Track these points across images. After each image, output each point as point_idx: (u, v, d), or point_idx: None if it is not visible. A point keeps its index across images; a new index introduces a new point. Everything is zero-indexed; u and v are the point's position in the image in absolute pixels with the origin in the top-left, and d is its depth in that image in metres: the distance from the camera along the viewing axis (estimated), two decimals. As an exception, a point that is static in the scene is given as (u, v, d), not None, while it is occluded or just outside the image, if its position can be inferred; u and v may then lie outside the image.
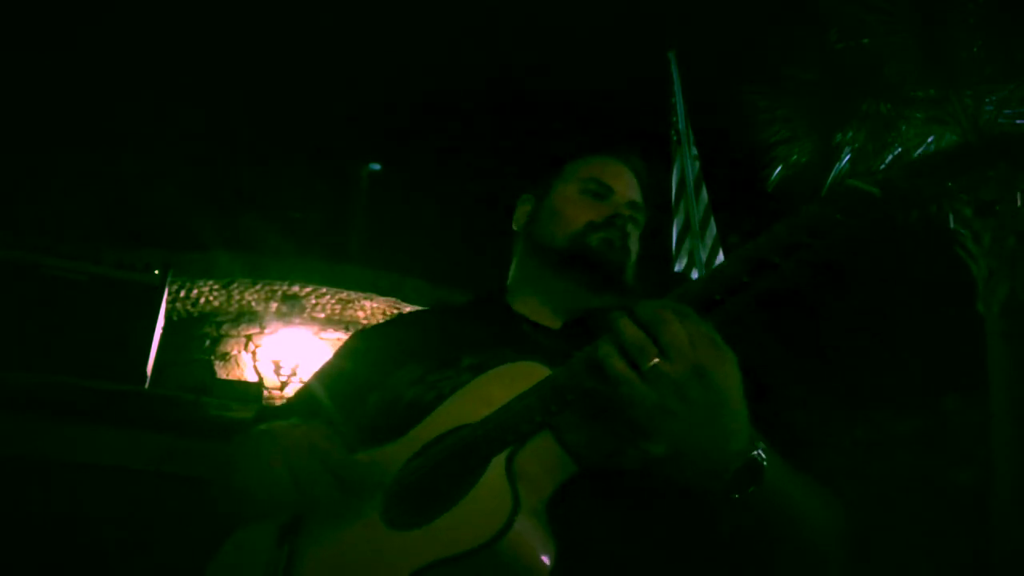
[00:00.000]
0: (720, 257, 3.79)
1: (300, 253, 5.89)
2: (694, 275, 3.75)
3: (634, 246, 1.32)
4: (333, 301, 6.11)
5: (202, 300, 5.90)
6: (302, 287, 5.92)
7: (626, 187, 1.35)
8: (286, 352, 6.09)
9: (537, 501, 0.87)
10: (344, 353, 1.38)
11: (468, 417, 0.99)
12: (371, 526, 0.96)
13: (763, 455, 0.82)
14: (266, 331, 6.19)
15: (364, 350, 1.35)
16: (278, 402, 5.78)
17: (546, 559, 0.83)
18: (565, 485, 0.89)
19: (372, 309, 6.21)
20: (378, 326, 1.47)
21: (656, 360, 0.78)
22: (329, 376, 1.34)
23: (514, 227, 1.44)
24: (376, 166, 7.12)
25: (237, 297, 5.95)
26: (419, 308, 5.91)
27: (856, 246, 0.84)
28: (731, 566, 0.95)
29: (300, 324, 6.24)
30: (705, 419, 0.78)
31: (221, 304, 6.00)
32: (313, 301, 6.10)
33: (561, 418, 0.89)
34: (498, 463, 0.89)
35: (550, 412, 0.89)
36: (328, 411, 1.23)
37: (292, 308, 6.13)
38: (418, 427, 1.05)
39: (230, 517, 1.17)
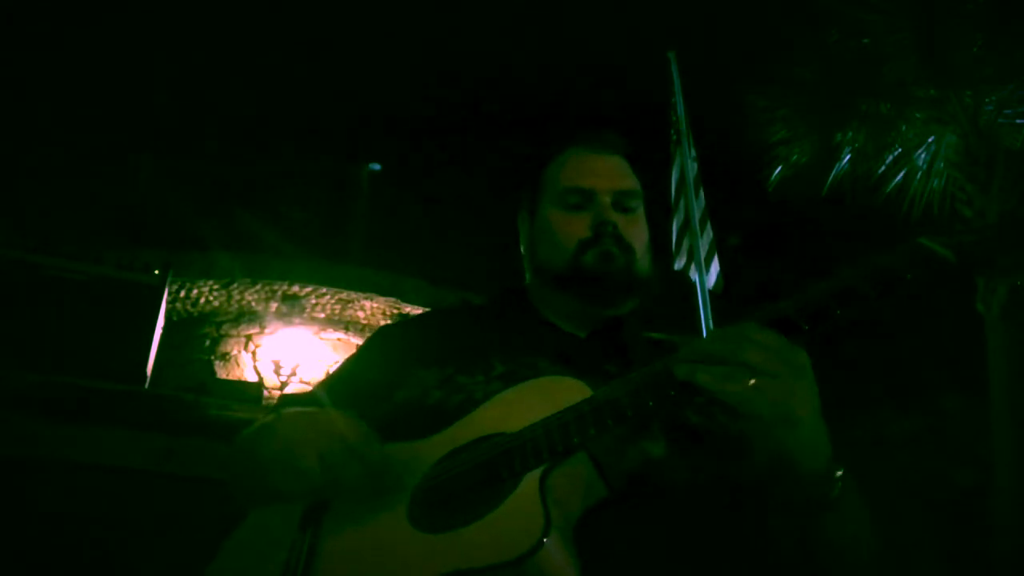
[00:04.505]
0: (716, 261, 3.80)
1: (300, 253, 5.89)
2: (692, 273, 3.76)
3: (638, 235, 1.28)
4: (333, 301, 6.11)
5: (202, 300, 5.90)
6: (302, 287, 5.92)
7: (607, 178, 1.29)
8: (286, 352, 6.09)
9: (565, 523, 0.87)
10: (370, 349, 1.36)
11: (503, 426, 0.98)
12: (396, 522, 0.95)
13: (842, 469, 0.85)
14: (266, 331, 6.19)
15: (390, 347, 1.33)
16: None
17: None
18: (593, 509, 0.89)
19: (372, 309, 6.21)
20: (404, 323, 1.45)
21: (753, 380, 0.79)
22: (354, 370, 1.33)
23: (521, 248, 1.42)
24: (376, 166, 7.12)
25: (237, 297, 5.95)
26: (423, 308, 5.92)
27: (911, 300, 0.85)
28: None
29: (300, 324, 6.24)
30: (803, 426, 0.81)
31: (221, 304, 6.00)
32: (313, 301, 6.10)
33: (598, 441, 0.89)
34: (532, 479, 0.88)
35: (588, 435, 0.88)
36: (352, 404, 1.20)
37: (292, 308, 6.13)
38: (449, 429, 1.04)
39: (248, 499, 1.14)
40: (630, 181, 1.32)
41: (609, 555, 0.91)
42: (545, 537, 0.81)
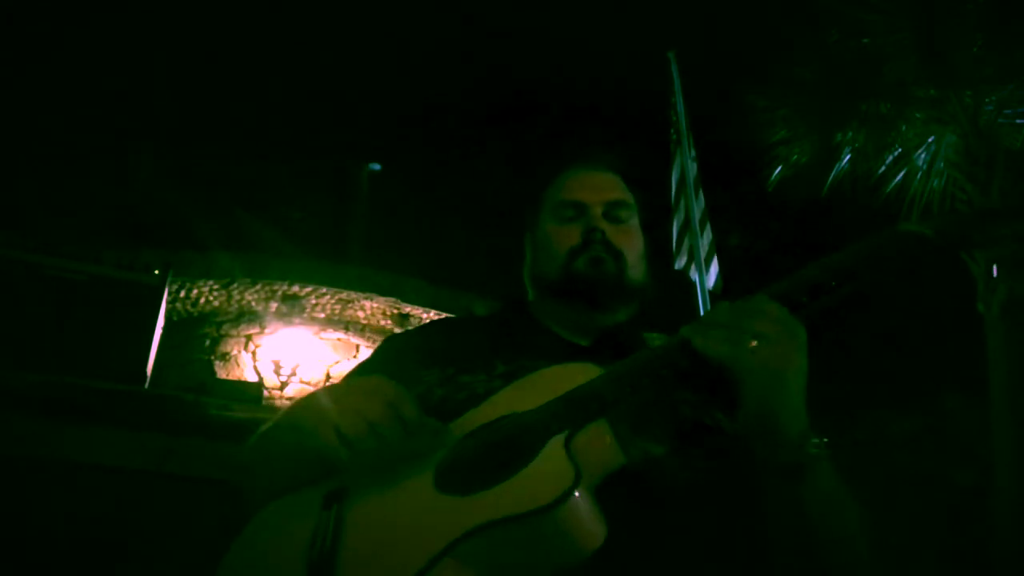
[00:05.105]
0: (715, 261, 3.81)
1: (300, 253, 5.90)
2: (693, 272, 3.76)
3: (629, 244, 1.32)
4: (333, 301, 6.11)
5: (202, 300, 5.90)
6: (302, 287, 5.92)
7: (598, 191, 1.35)
8: (286, 352, 6.09)
9: (589, 482, 0.90)
10: (375, 356, 1.40)
11: (519, 407, 1.02)
12: (423, 490, 0.97)
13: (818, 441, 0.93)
14: (266, 331, 6.19)
15: (394, 352, 1.37)
16: (278, 403, 5.79)
17: (598, 535, 0.86)
18: (610, 477, 0.93)
19: (372, 309, 6.21)
20: (408, 331, 1.50)
21: (754, 343, 0.89)
22: (364, 374, 1.34)
23: (524, 268, 1.47)
24: (376, 166, 7.12)
25: (237, 297, 5.95)
26: (423, 308, 5.92)
27: (900, 279, 0.95)
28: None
29: (300, 324, 6.24)
30: (793, 381, 0.90)
31: (221, 304, 6.00)
32: (313, 301, 6.10)
33: (616, 410, 0.95)
34: (556, 442, 0.92)
35: (607, 402, 0.95)
36: None
37: (292, 308, 6.13)
38: (464, 416, 1.07)
39: (270, 486, 1.13)
40: (621, 194, 1.37)
41: (625, 523, 0.93)
42: (576, 487, 0.84)
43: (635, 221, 1.37)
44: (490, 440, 1.00)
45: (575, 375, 1.01)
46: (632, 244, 1.33)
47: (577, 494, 0.84)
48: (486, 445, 0.99)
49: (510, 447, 0.95)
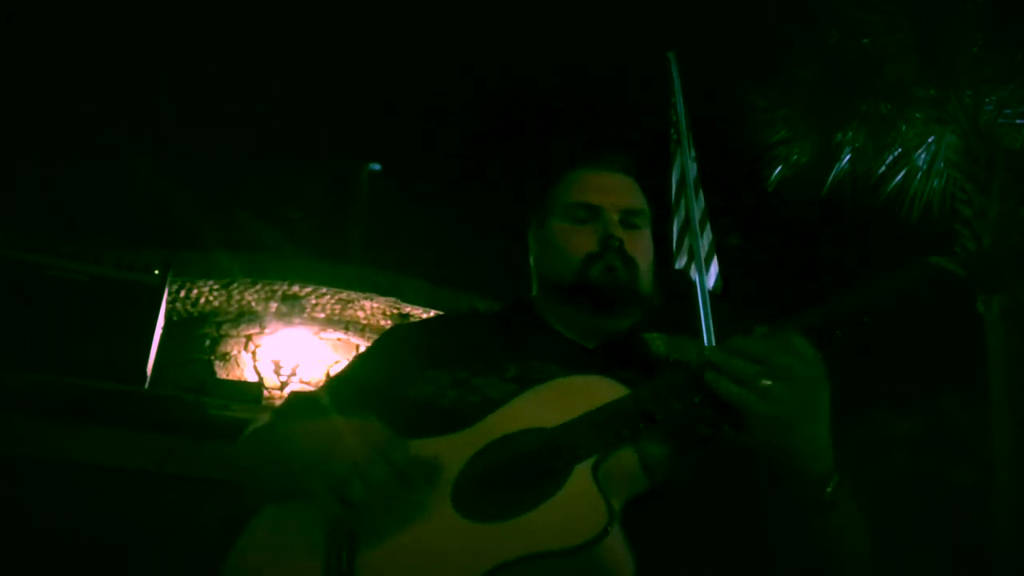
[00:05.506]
0: (715, 261, 3.82)
1: (300, 253, 5.90)
2: (693, 272, 3.76)
3: (642, 252, 1.31)
4: (333, 301, 6.11)
5: (202, 300, 5.90)
6: (302, 287, 5.92)
7: (614, 196, 1.33)
8: (286, 352, 6.09)
9: (617, 513, 0.90)
10: (378, 350, 1.37)
11: (539, 421, 1.00)
12: (444, 514, 0.95)
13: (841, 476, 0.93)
14: (266, 331, 6.19)
15: (399, 348, 1.34)
16: (278, 402, 5.79)
17: (629, 571, 0.86)
18: (633, 500, 0.93)
19: (372, 309, 6.21)
20: (412, 325, 1.47)
21: (769, 383, 0.87)
22: (363, 371, 1.33)
23: (530, 260, 1.46)
24: (376, 166, 7.12)
25: (237, 297, 5.95)
26: (423, 308, 5.92)
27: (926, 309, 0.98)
28: None
29: (300, 324, 6.24)
30: (811, 425, 0.89)
31: (221, 304, 6.00)
32: (313, 301, 6.10)
33: (644, 435, 0.94)
34: (583, 471, 0.91)
35: (638, 429, 0.94)
36: (360, 404, 1.18)
37: (292, 308, 6.13)
38: (478, 425, 1.05)
39: (266, 495, 1.11)
40: (637, 200, 1.36)
41: (650, 546, 0.93)
42: (611, 526, 0.84)
43: (648, 228, 1.36)
44: (513, 459, 0.97)
45: (598, 390, 0.99)
46: (645, 252, 1.32)
47: (612, 532, 0.84)
48: (509, 464, 0.97)
49: (536, 469, 0.94)
